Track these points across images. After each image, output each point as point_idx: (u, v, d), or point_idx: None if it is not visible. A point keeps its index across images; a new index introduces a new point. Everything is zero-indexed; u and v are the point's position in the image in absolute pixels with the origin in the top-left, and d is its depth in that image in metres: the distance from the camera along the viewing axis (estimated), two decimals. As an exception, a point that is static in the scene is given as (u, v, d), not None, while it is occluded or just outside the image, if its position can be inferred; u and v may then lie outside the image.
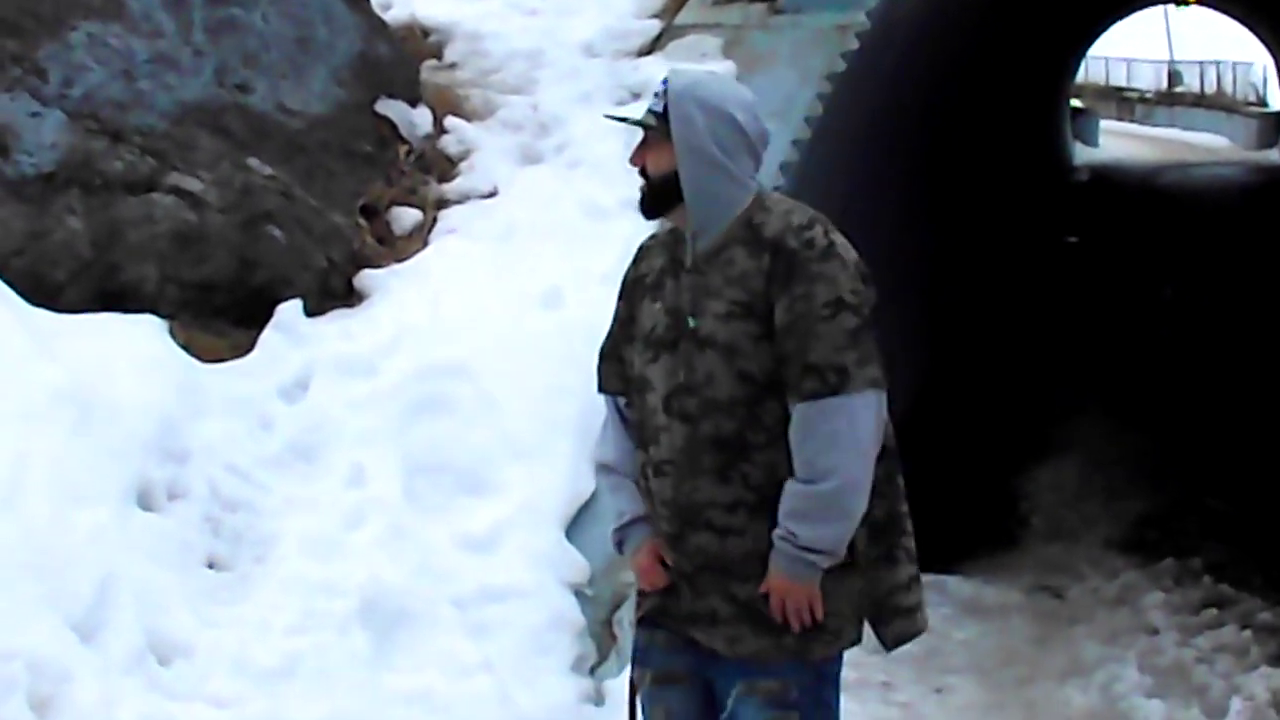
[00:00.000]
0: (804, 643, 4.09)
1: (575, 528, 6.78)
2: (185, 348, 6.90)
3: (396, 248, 8.03)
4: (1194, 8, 43.30)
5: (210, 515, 6.31)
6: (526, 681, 6.13)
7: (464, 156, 8.68)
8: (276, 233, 7.54)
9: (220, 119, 7.78)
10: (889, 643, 4.29)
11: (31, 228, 7.14)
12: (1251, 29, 42.02)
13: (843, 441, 3.95)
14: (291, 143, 7.97)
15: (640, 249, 4.40)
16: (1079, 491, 12.39)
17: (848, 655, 4.28)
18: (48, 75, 7.46)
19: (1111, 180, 31.37)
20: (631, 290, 4.31)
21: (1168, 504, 11.80)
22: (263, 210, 7.56)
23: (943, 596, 9.11)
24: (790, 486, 4.00)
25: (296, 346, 7.14)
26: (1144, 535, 10.99)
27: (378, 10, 9.25)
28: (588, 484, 6.81)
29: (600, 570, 6.65)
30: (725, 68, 8.91)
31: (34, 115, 7.36)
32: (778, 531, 4.01)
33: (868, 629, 4.29)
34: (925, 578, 8.97)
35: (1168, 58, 56.75)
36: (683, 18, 9.70)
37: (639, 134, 4.29)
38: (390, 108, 8.59)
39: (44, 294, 6.87)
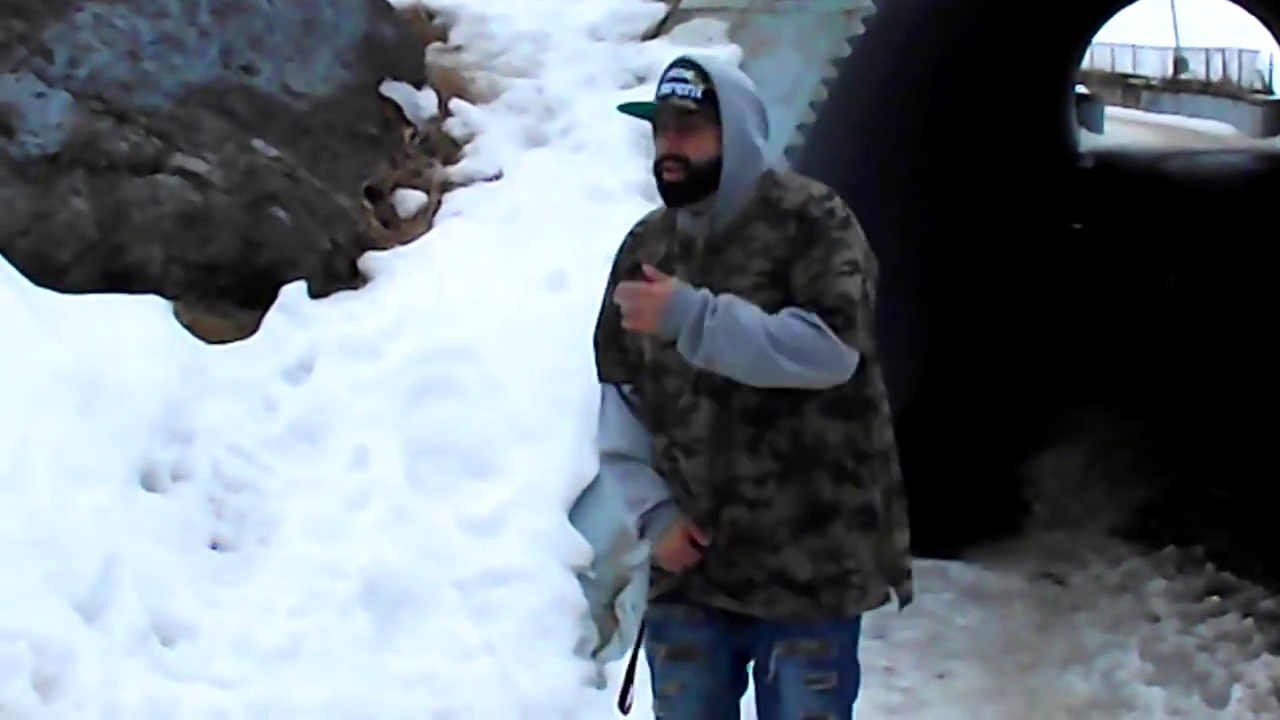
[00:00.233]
0: (837, 599, 4.15)
1: (578, 511, 6.79)
2: (189, 329, 6.90)
3: (401, 230, 8.02)
4: (1200, -6, 43.20)
5: (214, 496, 6.32)
6: (528, 664, 6.14)
7: (469, 139, 8.67)
8: (281, 214, 7.54)
9: (225, 100, 7.77)
10: (902, 602, 4.35)
11: (36, 208, 7.14)
12: (1258, 16, 41.97)
13: (811, 350, 3.98)
14: (296, 124, 7.96)
15: (632, 236, 4.41)
16: (1082, 478, 12.39)
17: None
18: (53, 55, 7.46)
19: (1116, 167, 31.33)
20: (631, 277, 4.28)
21: (1170, 491, 11.80)
22: (267, 192, 7.56)
23: (945, 582, 9.12)
24: (779, 316, 4.02)
25: (301, 328, 7.14)
26: (1147, 523, 10.99)
27: (383, -8, 9.23)
28: (591, 467, 6.82)
29: (603, 553, 6.66)
30: (730, 52, 8.90)
31: (39, 96, 7.35)
32: (729, 299, 4.02)
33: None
34: (928, 563, 9.02)
35: (1174, 44, 56.66)
36: (688, 1, 9.69)
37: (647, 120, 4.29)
38: (395, 90, 8.58)
39: (49, 275, 6.87)
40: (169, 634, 5.69)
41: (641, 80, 8.95)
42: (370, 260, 7.71)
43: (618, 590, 6.65)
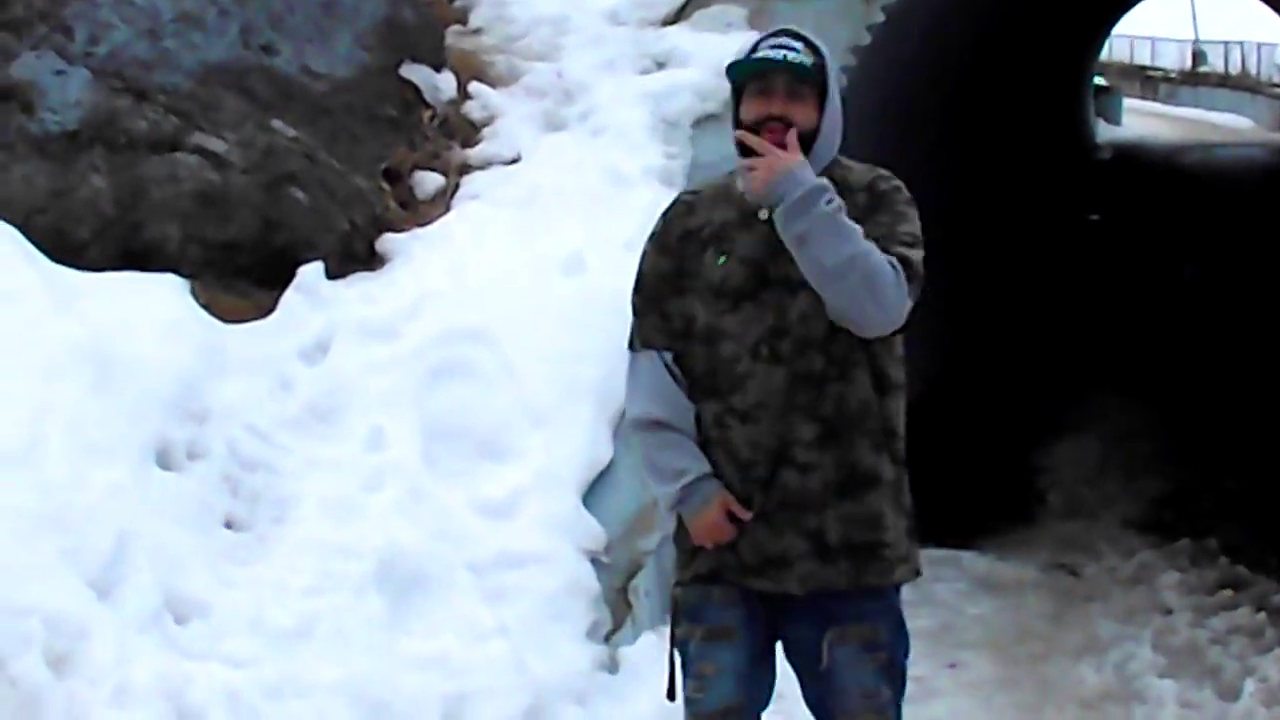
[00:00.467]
0: (868, 568, 4.17)
1: (592, 495, 6.79)
2: (206, 308, 6.90)
3: (419, 212, 8.02)
4: (1220, -13, 43.07)
5: (229, 475, 6.32)
6: (541, 647, 6.14)
7: (488, 122, 8.67)
8: (299, 195, 7.54)
9: (245, 80, 7.78)
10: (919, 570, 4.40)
11: (55, 185, 7.14)
12: (1277, 10, 41.82)
13: (886, 285, 4.03)
14: (316, 105, 7.96)
15: (681, 204, 4.38)
16: (1097, 469, 12.35)
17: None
18: (73, 33, 7.47)
19: (1134, 159, 31.26)
20: (683, 244, 4.27)
21: (1185, 484, 11.76)
22: (286, 172, 7.56)
23: (958, 571, 9.10)
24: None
25: (317, 309, 7.14)
26: (1161, 515, 10.95)
27: (403, -26, 9.22)
28: (606, 451, 6.81)
29: (617, 537, 6.66)
30: (749, 39, 8.87)
31: (59, 73, 7.36)
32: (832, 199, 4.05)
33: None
34: (941, 552, 9.00)
35: (1192, 37, 56.53)
36: (707, -13, 9.66)
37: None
38: (415, 72, 8.58)
39: (67, 252, 6.87)
40: (182, 612, 5.69)
41: (661, 65, 8.93)
42: (388, 242, 7.71)
43: (631, 575, 6.65)
